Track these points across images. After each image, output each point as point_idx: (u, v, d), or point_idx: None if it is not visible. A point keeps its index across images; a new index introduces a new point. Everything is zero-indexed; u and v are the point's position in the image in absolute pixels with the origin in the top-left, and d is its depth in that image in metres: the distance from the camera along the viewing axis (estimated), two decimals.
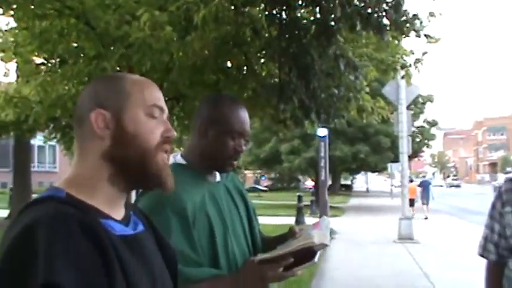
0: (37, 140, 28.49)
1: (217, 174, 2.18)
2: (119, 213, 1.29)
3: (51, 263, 1.03)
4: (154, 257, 1.33)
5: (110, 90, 1.30)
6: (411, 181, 23.52)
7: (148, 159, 1.27)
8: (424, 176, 76.11)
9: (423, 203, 22.62)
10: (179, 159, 2.13)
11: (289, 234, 2.11)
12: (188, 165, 2.10)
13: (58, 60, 8.65)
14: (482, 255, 2.41)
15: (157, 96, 1.34)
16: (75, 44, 7.62)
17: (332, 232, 13.39)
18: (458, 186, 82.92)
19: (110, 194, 1.26)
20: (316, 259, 1.97)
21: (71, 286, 1.03)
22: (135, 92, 1.30)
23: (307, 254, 1.94)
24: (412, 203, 21.26)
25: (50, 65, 9.00)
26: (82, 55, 7.63)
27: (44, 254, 1.04)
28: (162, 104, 1.34)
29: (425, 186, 23.38)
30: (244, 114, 2.12)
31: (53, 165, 50.88)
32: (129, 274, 1.16)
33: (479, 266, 2.56)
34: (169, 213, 1.89)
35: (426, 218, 21.83)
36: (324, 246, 1.98)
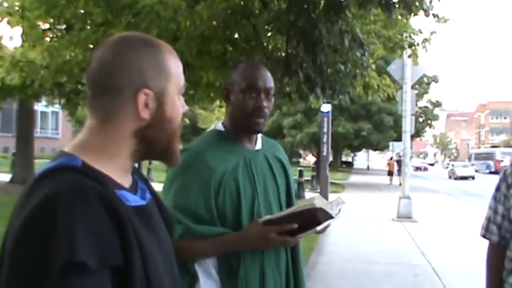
0: (40, 106, 28.51)
1: (258, 142, 2.22)
2: (127, 180, 1.28)
3: (74, 242, 1.01)
4: (160, 224, 1.34)
5: (153, 66, 1.23)
6: (391, 158, 36.40)
7: (175, 139, 1.30)
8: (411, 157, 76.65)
9: (399, 175, 26.91)
10: (219, 127, 2.19)
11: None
12: (226, 132, 2.15)
13: (65, 26, 8.63)
14: (484, 236, 2.42)
15: (182, 71, 1.33)
16: (82, 10, 7.60)
17: None
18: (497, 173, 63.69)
19: (124, 165, 1.25)
20: (318, 228, 1.99)
21: (93, 264, 1.02)
22: (173, 72, 1.27)
23: (311, 222, 1.97)
24: (390, 173, 33.15)
25: (56, 30, 8.99)
26: (89, 21, 7.60)
27: (65, 231, 1.01)
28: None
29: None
30: (260, 71, 2.12)
31: (56, 131, 51.00)
32: (144, 246, 1.15)
33: (476, 247, 2.59)
34: (193, 176, 1.99)
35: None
36: (329, 217, 2.01)
